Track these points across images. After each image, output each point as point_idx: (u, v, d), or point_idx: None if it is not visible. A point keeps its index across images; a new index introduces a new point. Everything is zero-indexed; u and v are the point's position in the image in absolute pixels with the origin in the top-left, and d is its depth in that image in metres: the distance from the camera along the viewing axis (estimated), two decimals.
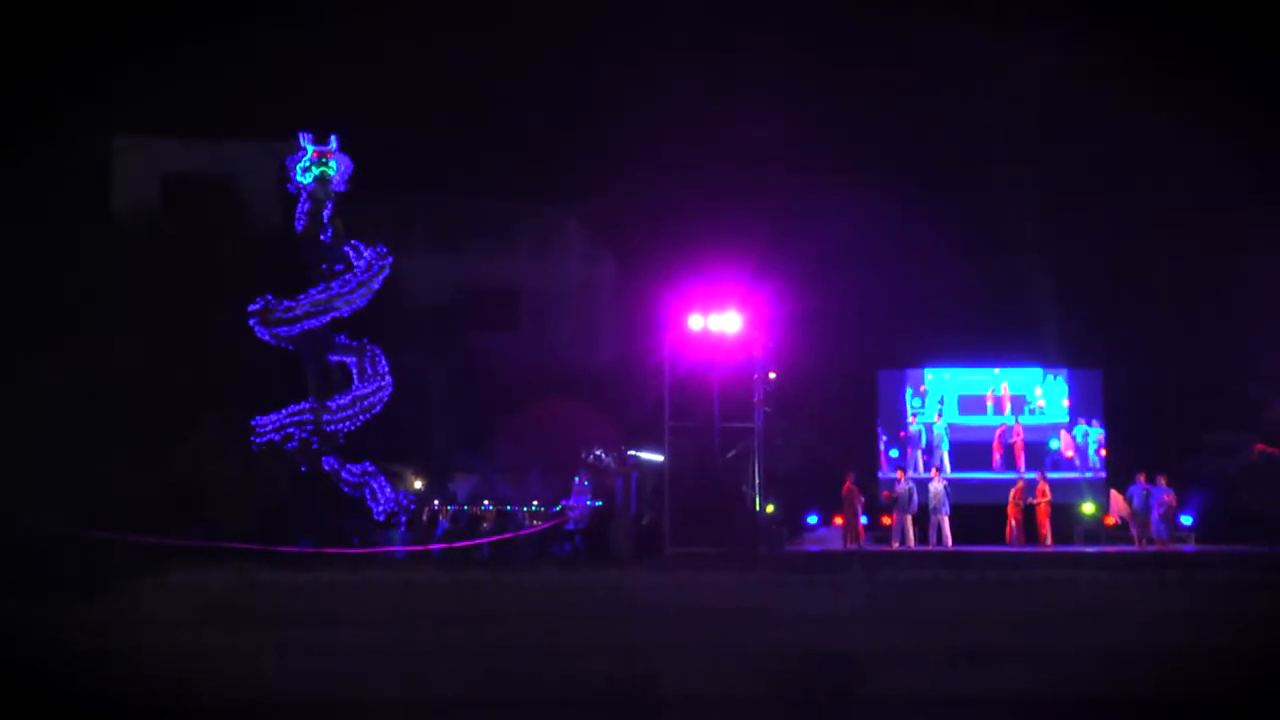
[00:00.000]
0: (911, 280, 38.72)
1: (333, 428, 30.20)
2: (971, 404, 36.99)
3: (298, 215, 30.79)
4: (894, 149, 39.86)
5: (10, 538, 25.49)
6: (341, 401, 30.30)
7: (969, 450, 36.64)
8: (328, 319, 30.42)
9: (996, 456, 36.50)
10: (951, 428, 36.86)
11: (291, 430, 29.90)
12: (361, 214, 31.57)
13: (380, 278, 30.81)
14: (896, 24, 41.78)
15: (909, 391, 37.19)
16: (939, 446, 36.66)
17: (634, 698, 25.28)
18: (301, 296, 30.15)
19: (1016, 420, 36.58)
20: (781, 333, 31.94)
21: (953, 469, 36.16)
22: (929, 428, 36.86)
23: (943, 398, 37.16)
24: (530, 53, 42.60)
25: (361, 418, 30.49)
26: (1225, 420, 34.64)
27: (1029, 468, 35.65)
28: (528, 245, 42.85)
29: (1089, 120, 39.65)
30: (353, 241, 31.02)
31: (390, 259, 30.86)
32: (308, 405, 30.05)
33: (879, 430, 36.93)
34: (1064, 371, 36.82)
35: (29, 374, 27.35)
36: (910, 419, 37.03)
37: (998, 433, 36.59)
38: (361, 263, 30.71)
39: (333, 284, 30.44)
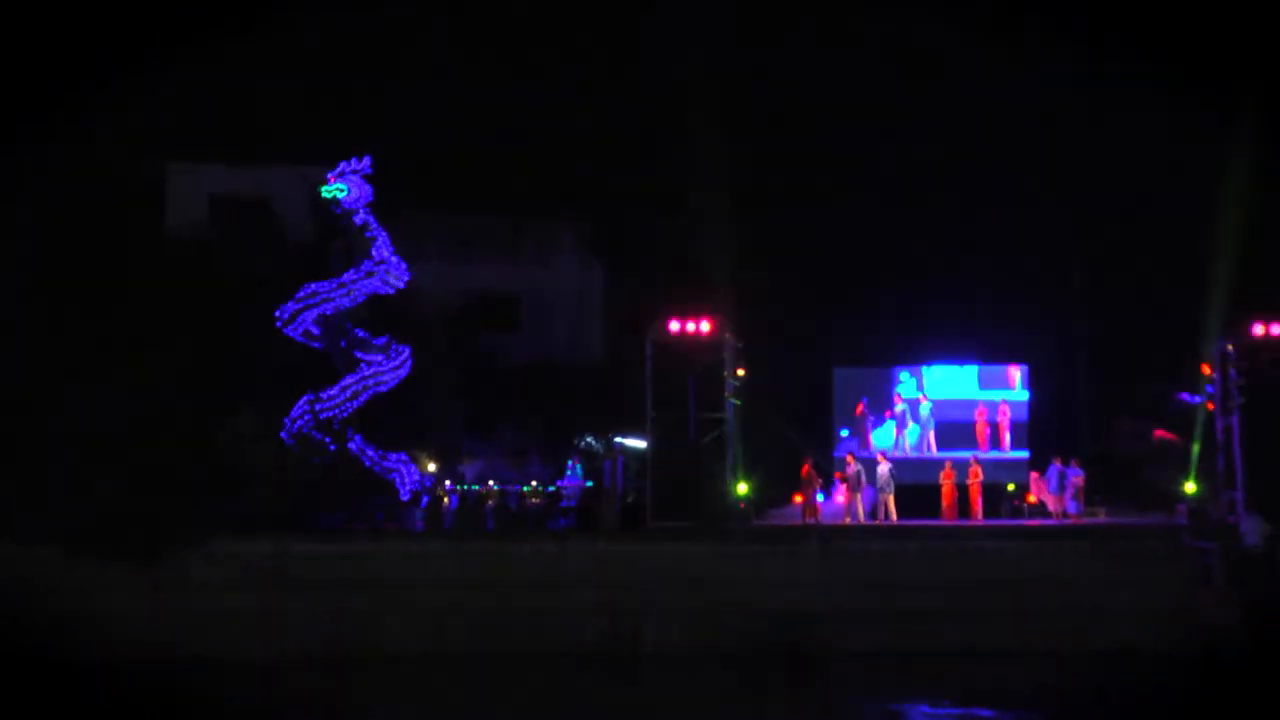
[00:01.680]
0: (865, 288, 39.09)
1: (326, 415, 30.68)
2: (994, 378, 36.54)
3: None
4: (851, 166, 40.07)
5: (82, 510, 26.23)
6: (331, 391, 30.88)
7: (956, 429, 36.15)
8: (314, 314, 30.76)
9: (981, 436, 36.12)
10: (939, 406, 36.42)
11: (300, 424, 30.32)
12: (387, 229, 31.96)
13: (368, 281, 31.08)
14: (850, 39, 41.89)
15: (905, 374, 36.90)
16: (926, 427, 36.46)
17: (620, 651, 26.11)
18: (295, 295, 30.75)
19: (1003, 400, 36.32)
20: (750, 335, 32.45)
21: (940, 448, 35.92)
22: (914, 406, 36.63)
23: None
24: (529, 83, 43.16)
25: (351, 405, 30.86)
26: (1131, 409, 35.10)
27: (1014, 446, 35.77)
28: (528, 256, 43.23)
29: (1028, 132, 39.74)
30: (370, 253, 31.27)
31: (384, 265, 31.01)
32: (307, 398, 30.53)
33: (867, 414, 36.69)
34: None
35: (92, 371, 27.90)
36: (895, 399, 36.85)
37: (978, 411, 36.38)
38: (351, 271, 31.00)
39: (313, 284, 30.95)
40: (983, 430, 36.25)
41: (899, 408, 36.85)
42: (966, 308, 37.52)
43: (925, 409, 36.64)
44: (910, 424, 36.67)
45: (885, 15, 41.53)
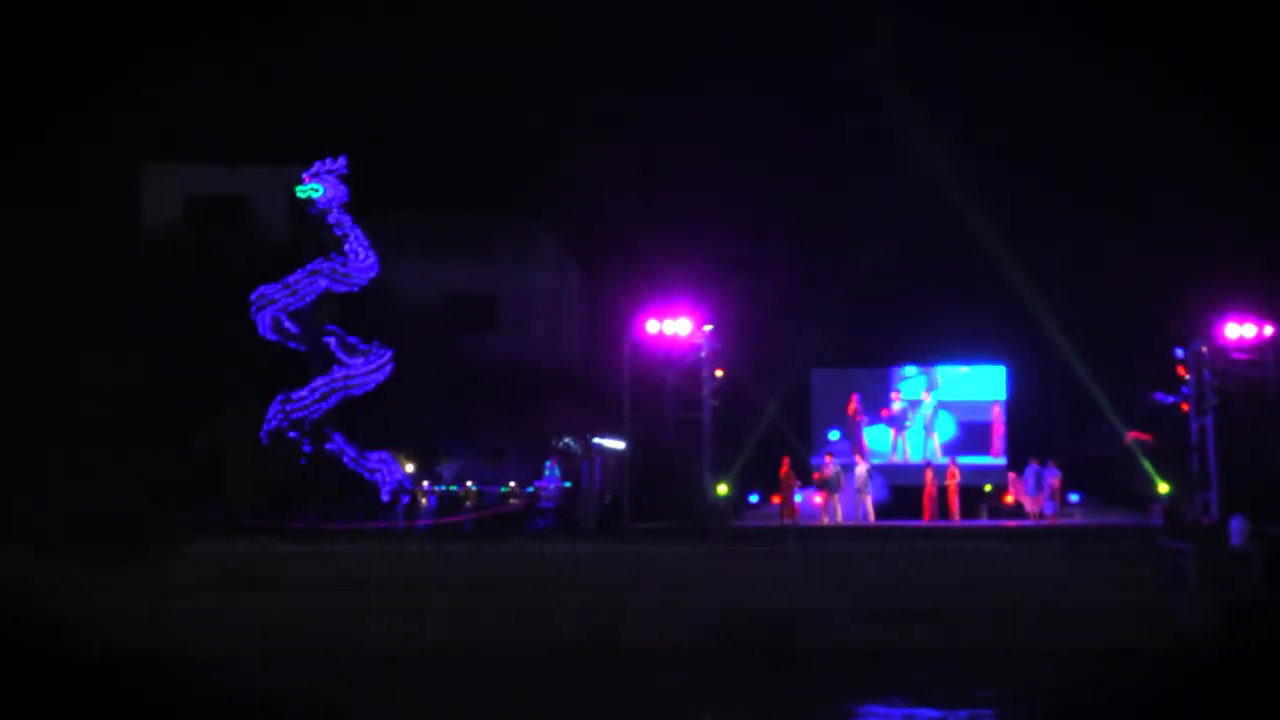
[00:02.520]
0: (845, 289, 39.09)
1: (297, 415, 30.56)
2: None
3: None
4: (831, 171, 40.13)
5: (59, 513, 26.11)
6: (300, 393, 30.80)
7: (974, 431, 35.83)
8: (269, 315, 30.72)
9: (996, 437, 35.78)
10: (959, 408, 35.94)
11: (275, 423, 30.23)
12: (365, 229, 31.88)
13: (313, 281, 30.84)
14: (835, 36, 41.87)
15: (911, 369, 36.51)
16: (933, 427, 35.92)
17: (599, 651, 26.11)
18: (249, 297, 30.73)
19: None
20: (728, 336, 32.52)
21: (950, 451, 35.17)
22: (915, 405, 36.20)
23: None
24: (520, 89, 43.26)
25: (321, 406, 30.75)
26: (1107, 410, 35.24)
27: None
28: (506, 257, 43.18)
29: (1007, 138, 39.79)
30: (344, 251, 31.18)
31: (329, 265, 30.91)
32: (279, 398, 30.43)
33: (860, 413, 36.17)
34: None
35: (72, 372, 27.83)
36: (893, 396, 36.45)
37: (995, 412, 35.98)
38: (298, 271, 30.92)
39: (262, 287, 30.85)
40: (999, 431, 35.85)
41: (896, 406, 36.36)
42: (948, 308, 37.57)
43: (928, 407, 36.14)
44: (910, 424, 36.20)
45: (873, 12, 41.81)
